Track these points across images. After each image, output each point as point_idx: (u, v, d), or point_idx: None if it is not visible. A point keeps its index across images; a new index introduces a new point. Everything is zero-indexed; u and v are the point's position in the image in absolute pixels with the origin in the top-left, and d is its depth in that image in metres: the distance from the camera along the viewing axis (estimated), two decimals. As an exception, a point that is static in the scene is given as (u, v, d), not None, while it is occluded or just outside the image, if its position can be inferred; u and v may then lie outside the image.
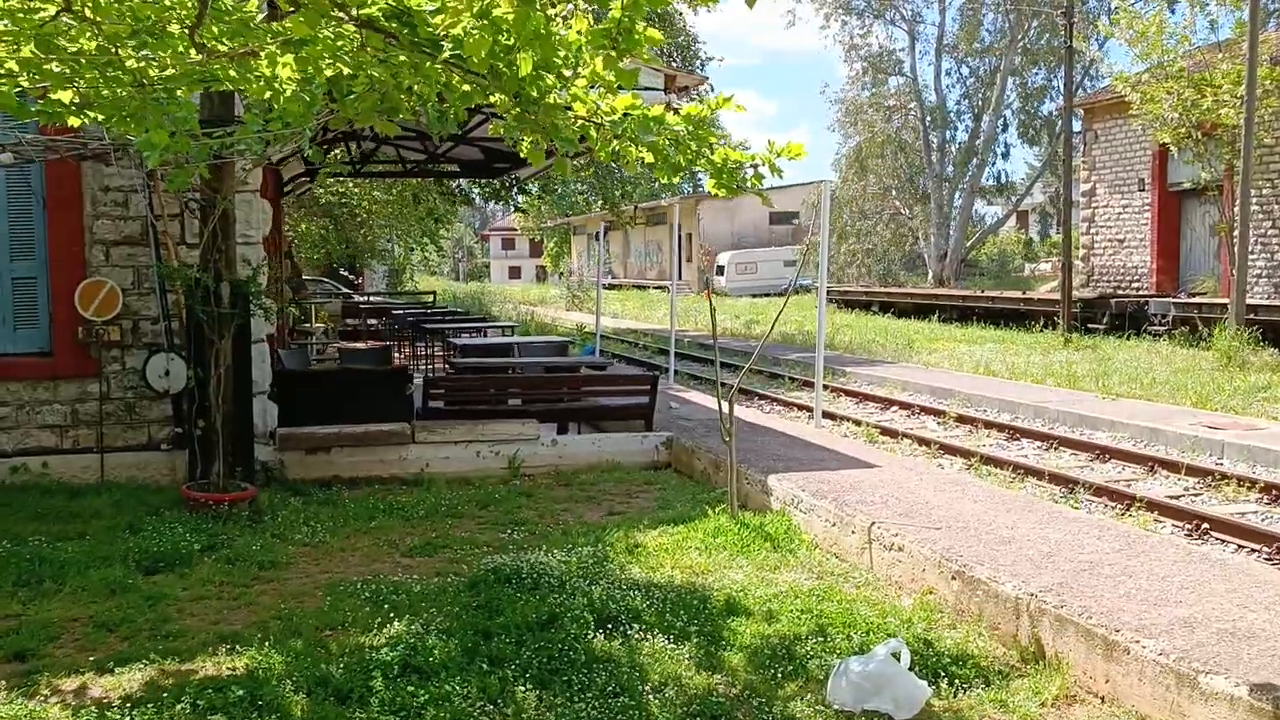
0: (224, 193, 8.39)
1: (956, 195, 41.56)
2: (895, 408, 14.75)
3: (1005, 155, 42.97)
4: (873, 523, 6.85)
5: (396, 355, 20.07)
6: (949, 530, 6.63)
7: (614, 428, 11.18)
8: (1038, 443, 11.84)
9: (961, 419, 13.29)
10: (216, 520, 7.91)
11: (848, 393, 16.18)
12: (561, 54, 5.20)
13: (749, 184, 6.12)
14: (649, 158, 5.74)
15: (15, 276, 9.23)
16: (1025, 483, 9.94)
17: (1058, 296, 25.42)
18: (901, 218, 43.02)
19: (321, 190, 30.24)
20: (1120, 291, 28.77)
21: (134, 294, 9.29)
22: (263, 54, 5.16)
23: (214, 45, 5.07)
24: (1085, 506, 9.01)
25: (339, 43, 5.06)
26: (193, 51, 5.05)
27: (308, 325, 18.53)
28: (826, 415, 14.01)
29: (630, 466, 10.19)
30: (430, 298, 31.53)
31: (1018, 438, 12.16)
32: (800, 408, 14.75)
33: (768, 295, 49.02)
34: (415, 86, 5.18)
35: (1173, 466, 10.23)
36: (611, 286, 67.25)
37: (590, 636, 5.45)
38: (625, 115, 5.54)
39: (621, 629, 5.55)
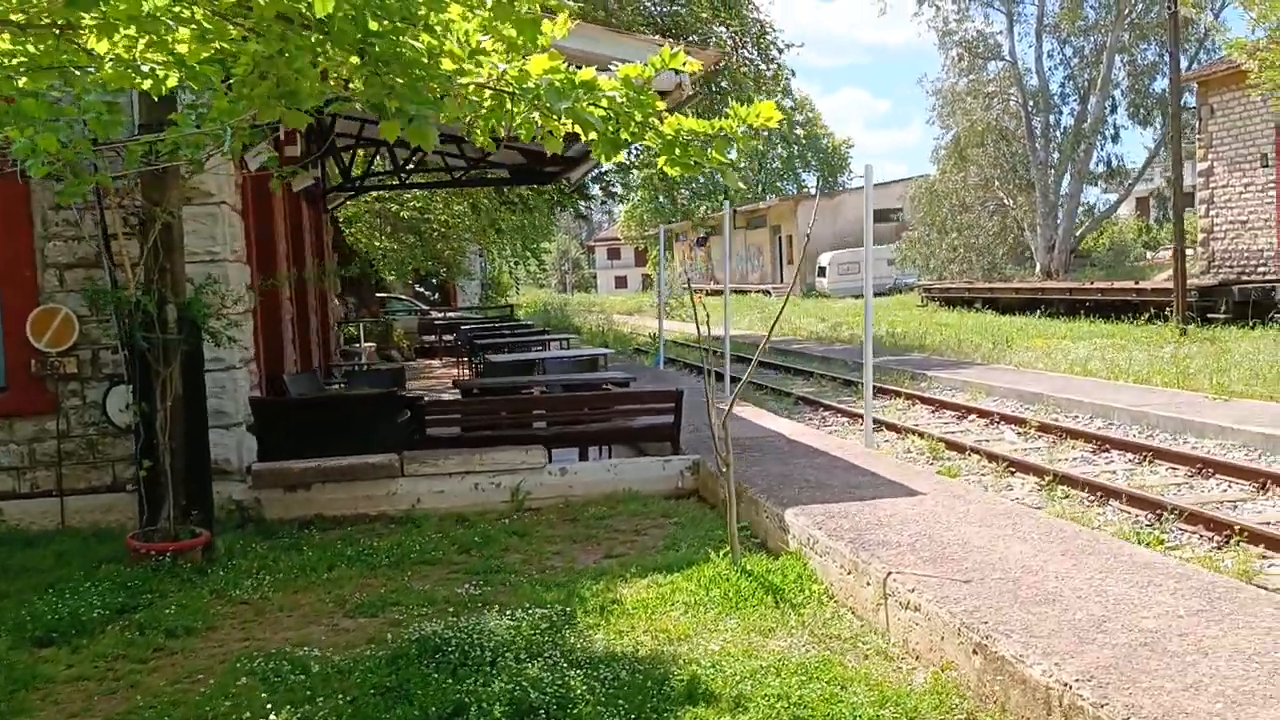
0: (165, 205, 7.49)
1: (1064, 183, 39.11)
2: (973, 416, 13.24)
3: (1115, 138, 40.49)
4: (889, 572, 5.56)
5: (456, 373, 19.24)
6: (982, 582, 5.31)
7: (652, 450, 10.07)
8: (1129, 455, 10.26)
9: (1045, 428, 11.74)
10: (157, 573, 7.03)
11: (924, 400, 14.70)
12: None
13: (709, 161, 4.93)
14: (589, 133, 4.60)
15: (-39, 307, 8.52)
16: (1105, 508, 8.44)
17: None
18: (1005, 209, 40.71)
19: (397, 205, 29.78)
20: (1244, 277, 26.41)
21: (92, 321, 8.49)
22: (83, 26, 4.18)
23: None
24: (1174, 536, 7.51)
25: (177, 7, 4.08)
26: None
27: (357, 345, 17.77)
28: (891, 428, 12.63)
29: (649, 495, 9.03)
30: (509, 311, 30.77)
31: (1106, 449, 10.59)
32: (866, 419, 13.34)
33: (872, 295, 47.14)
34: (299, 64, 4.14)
35: (1293, 482, 8.63)
36: (713, 292, 66.10)
37: (494, 739, 4.32)
38: (543, 82, 4.46)
39: (537, 728, 4.41)
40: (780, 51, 25.89)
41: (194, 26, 4.13)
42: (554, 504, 8.90)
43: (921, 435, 11.62)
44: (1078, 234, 39.77)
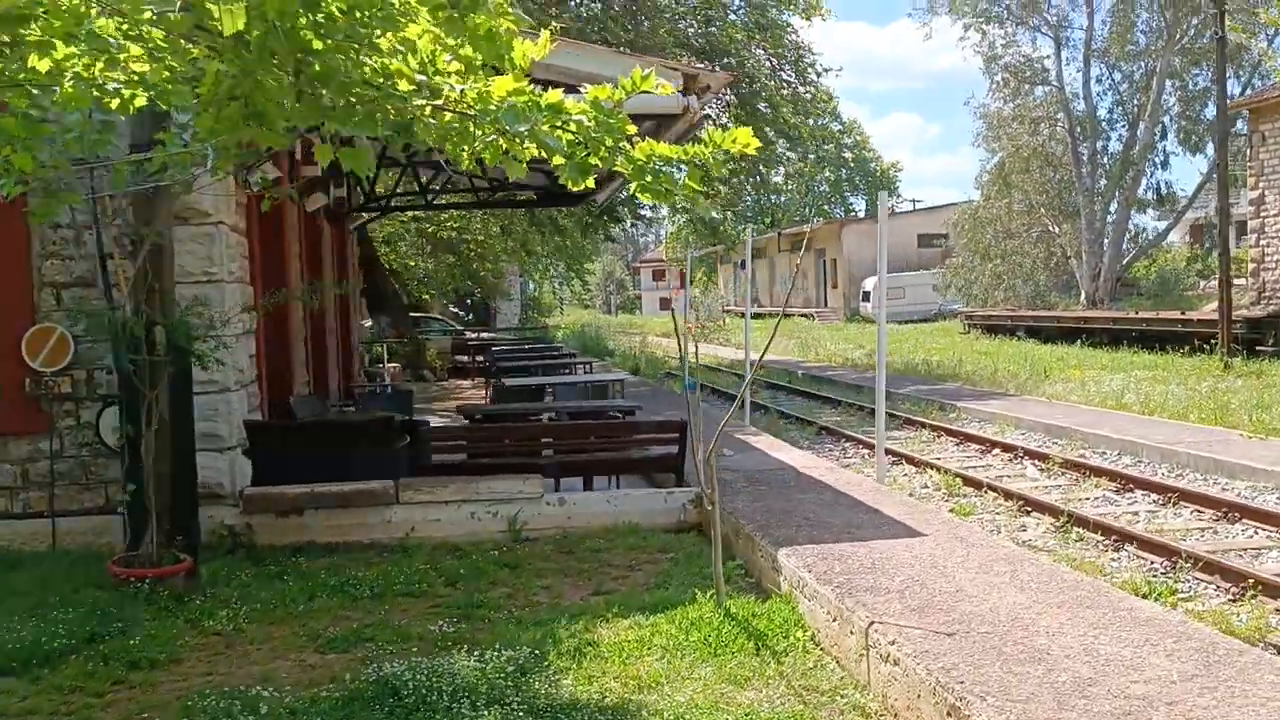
0: (154, 225, 7.40)
1: (1110, 210, 38.41)
2: (997, 450, 12.85)
3: (1165, 164, 39.66)
4: (872, 622, 5.28)
5: (483, 394, 19.09)
6: (967, 636, 5.01)
7: (662, 480, 9.84)
8: (1153, 496, 9.85)
9: (1069, 464, 11.34)
10: (135, 600, 6.89)
11: (950, 432, 14.32)
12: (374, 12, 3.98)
13: (681, 189, 4.72)
14: (553, 158, 4.42)
15: (-45, 326, 8.48)
16: (1119, 553, 8.07)
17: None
18: (1050, 235, 40.06)
19: (434, 226, 29.85)
20: (1294, 310, 25.66)
21: (87, 341, 8.40)
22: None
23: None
24: (1188, 586, 7.13)
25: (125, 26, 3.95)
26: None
27: (380, 366, 17.70)
28: (910, 461, 12.30)
29: (650, 529, 8.77)
30: (544, 332, 30.68)
31: (1130, 489, 10.18)
32: (888, 451, 12.98)
33: (914, 321, 46.59)
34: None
35: (1324, 531, 8.20)
36: (756, 315, 65.74)
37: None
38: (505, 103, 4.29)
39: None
40: (819, 75, 25.65)
41: (144, 45, 3.99)
42: (552, 535, 8.68)
43: (943, 470, 11.27)
44: (1124, 262, 39.05)
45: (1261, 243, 28.28)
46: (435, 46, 4.16)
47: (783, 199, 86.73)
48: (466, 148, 4.36)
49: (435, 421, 12.53)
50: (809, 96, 26.13)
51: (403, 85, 4.13)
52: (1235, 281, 30.07)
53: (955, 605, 5.51)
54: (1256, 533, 8.47)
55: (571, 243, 32.14)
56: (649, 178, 4.62)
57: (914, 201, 74.35)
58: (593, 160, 4.50)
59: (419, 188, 15.74)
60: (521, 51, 4.42)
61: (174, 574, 7.25)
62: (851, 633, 5.45)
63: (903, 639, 5.00)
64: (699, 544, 8.44)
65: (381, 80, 4.08)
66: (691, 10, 21.71)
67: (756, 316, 61.97)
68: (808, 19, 26.91)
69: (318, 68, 3.89)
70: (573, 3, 19.70)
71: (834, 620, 5.72)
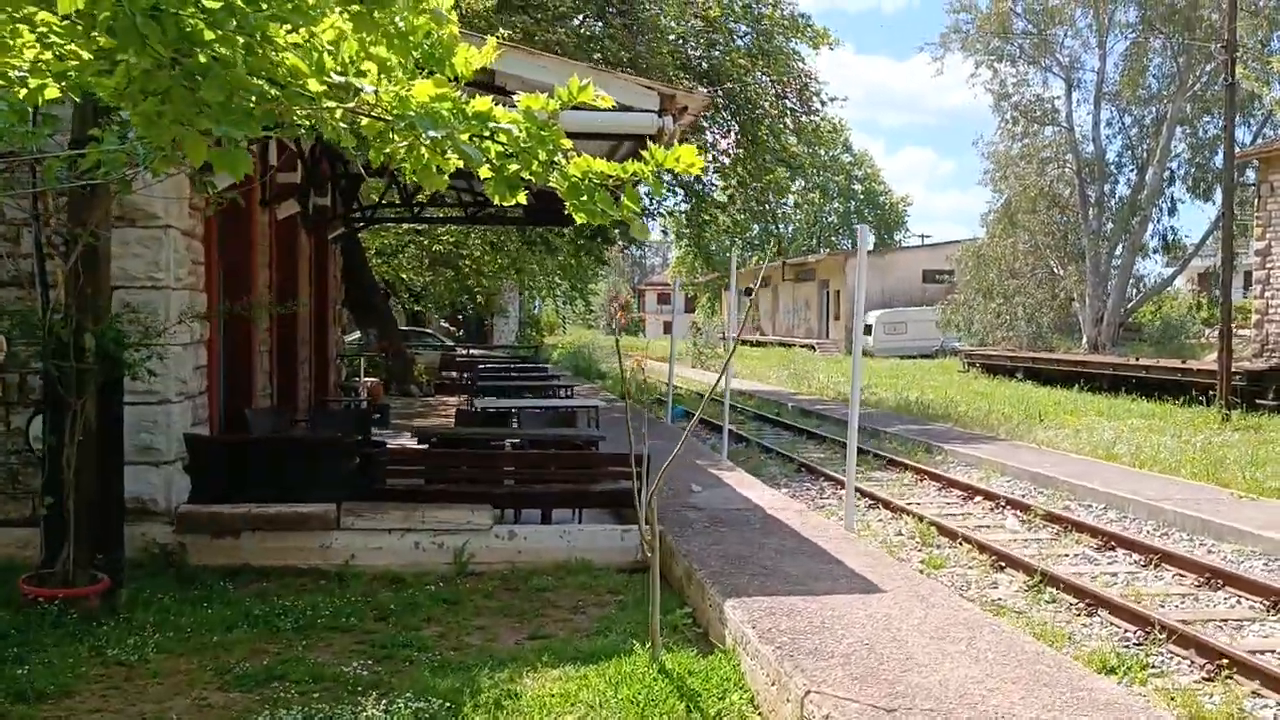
0: (89, 225, 7.03)
1: (1116, 254, 38.00)
2: (979, 498, 12.41)
3: (1172, 211, 39.13)
4: (809, 690, 4.87)
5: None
6: (908, 713, 4.60)
7: (632, 515, 9.41)
8: (1135, 556, 9.40)
9: (1050, 517, 10.89)
10: (40, 622, 6.50)
11: (933, 477, 13.87)
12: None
13: (620, 209, 4.36)
14: (483, 172, 4.07)
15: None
16: (1092, 618, 7.62)
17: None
18: (1055, 277, 39.64)
19: (430, 239, 29.54)
20: (1296, 364, 25.20)
21: (21, 343, 8.00)
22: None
23: None
24: (1160, 660, 6.68)
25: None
26: None
27: (357, 380, 17.31)
28: (887, 506, 11.87)
29: (603, 567, 8.36)
30: (534, 352, 30.29)
31: (1111, 547, 9.73)
32: (863, 494, 12.58)
33: (916, 357, 46.09)
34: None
35: (1310, 602, 7.75)
36: (758, 344, 65.23)
37: None
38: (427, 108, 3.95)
39: None
40: (823, 104, 25.31)
41: (31, 29, 3.62)
42: (499, 570, 8.27)
43: (920, 518, 10.83)
44: (1128, 307, 38.63)
45: (1266, 294, 27.87)
46: (344, 43, 3.81)
47: (789, 228, 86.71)
48: (387, 154, 4.02)
49: (405, 441, 12.14)
50: (813, 126, 25.80)
51: (312, 85, 3.77)
52: (1240, 332, 29.64)
53: (902, 675, 5.09)
54: (1239, 602, 8.02)
55: (575, 262, 31.84)
56: (583, 196, 4.27)
57: (922, 236, 74.14)
58: (525, 174, 4.15)
59: (402, 199, 15.39)
60: (464, 57, 4.08)
61: (88, 594, 6.86)
62: (788, 700, 5.04)
63: (838, 713, 4.58)
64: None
65: (291, 79, 3.73)
66: (695, 33, 21.41)
67: (759, 345, 61.51)
68: (815, 47, 26.67)
69: (201, 59, 3.52)
70: (575, 20, 19.40)
71: (772, 684, 5.31)
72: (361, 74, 3.88)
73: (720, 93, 21.94)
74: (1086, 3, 37.21)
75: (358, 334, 26.36)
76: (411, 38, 3.90)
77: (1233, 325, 22.40)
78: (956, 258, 43.72)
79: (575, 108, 5.90)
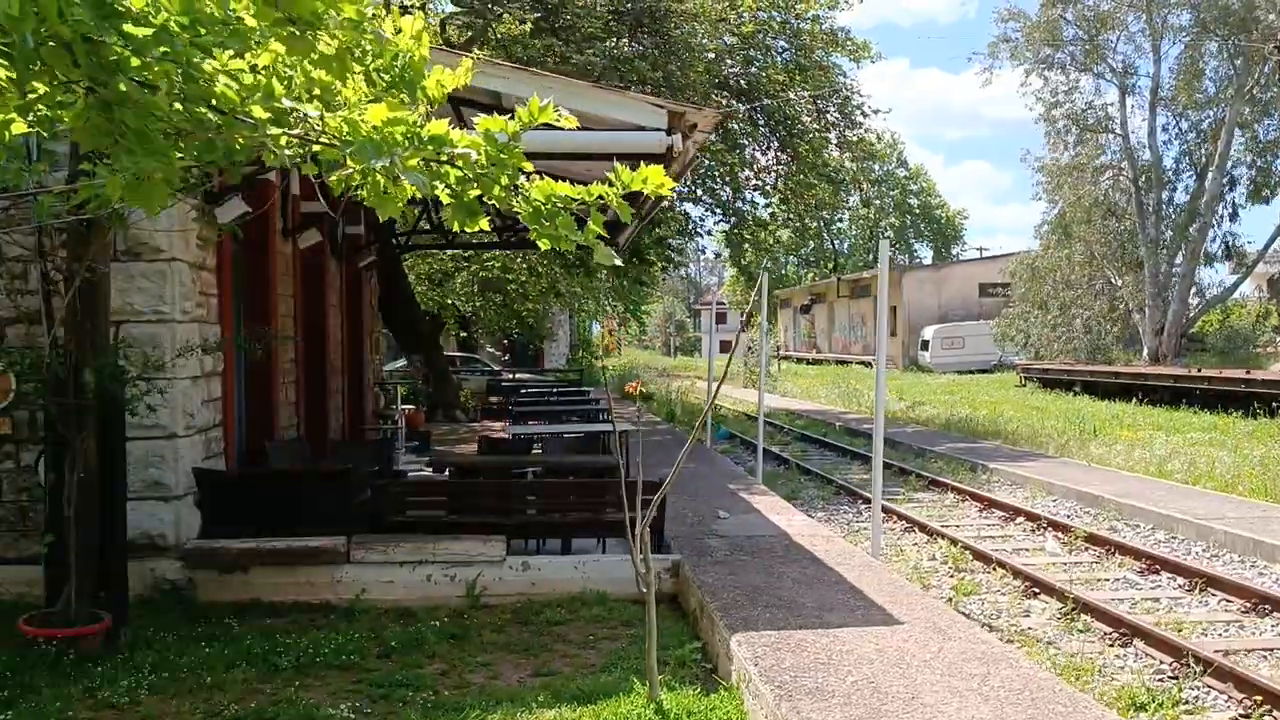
0: (86, 260, 6.98)
1: (1176, 262, 37.03)
2: (1021, 519, 11.97)
3: (1233, 216, 38.02)
4: (803, 735, 4.59)
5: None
6: (905, 761, 4.30)
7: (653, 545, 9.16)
8: (1180, 580, 8.95)
9: (1092, 539, 10.44)
10: (39, 663, 6.41)
11: (975, 497, 13.44)
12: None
13: (583, 236, 4.20)
14: (444, 197, 3.94)
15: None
16: (1126, 649, 7.21)
17: (1281, 378, 21.49)
18: (1113, 288, 38.71)
19: (476, 264, 29.59)
20: (1366, 372, 24.30)
21: (33, 380, 7.98)
22: None
23: None
24: (1195, 695, 6.28)
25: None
26: None
27: (393, 409, 17.26)
28: (922, 529, 11.49)
29: (619, 599, 8.12)
30: (580, 376, 30.18)
31: (1156, 570, 9.28)
32: (901, 518, 12.21)
33: (974, 372, 45.29)
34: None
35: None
36: (814, 361, 64.67)
37: None
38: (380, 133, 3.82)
39: None
40: (865, 116, 24.94)
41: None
42: (512, 602, 8.08)
43: (954, 541, 10.44)
44: (1190, 316, 37.60)
45: (1333, 300, 26.93)
46: (282, 66, 3.68)
47: (845, 244, 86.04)
48: (335, 180, 3.89)
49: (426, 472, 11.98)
50: (855, 139, 25.46)
51: (257, 111, 3.64)
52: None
53: (903, 718, 4.80)
54: (1288, 629, 7.58)
55: (626, 284, 31.71)
56: (544, 221, 4.10)
57: (980, 250, 73.07)
58: (488, 197, 3.99)
59: (431, 225, 15.34)
60: (436, 80, 3.95)
61: (88, 634, 6.77)
62: (782, 745, 4.77)
63: (828, 761, 4.31)
64: (670, 618, 7.79)
65: (237, 103, 3.60)
66: (730, 50, 21.21)
67: (815, 363, 60.78)
68: (856, 61, 26.36)
69: (122, 87, 3.39)
70: (608, 42, 19.30)
71: (770, 726, 5.04)
72: (317, 99, 3.76)
73: (759, 110, 21.73)
74: (1139, 6, 36.45)
75: (403, 361, 26.43)
76: (369, 62, 3.77)
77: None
78: (1011, 270, 42.91)
79: (579, 128, 5.66)
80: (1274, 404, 20.91)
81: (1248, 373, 26.56)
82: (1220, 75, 36.77)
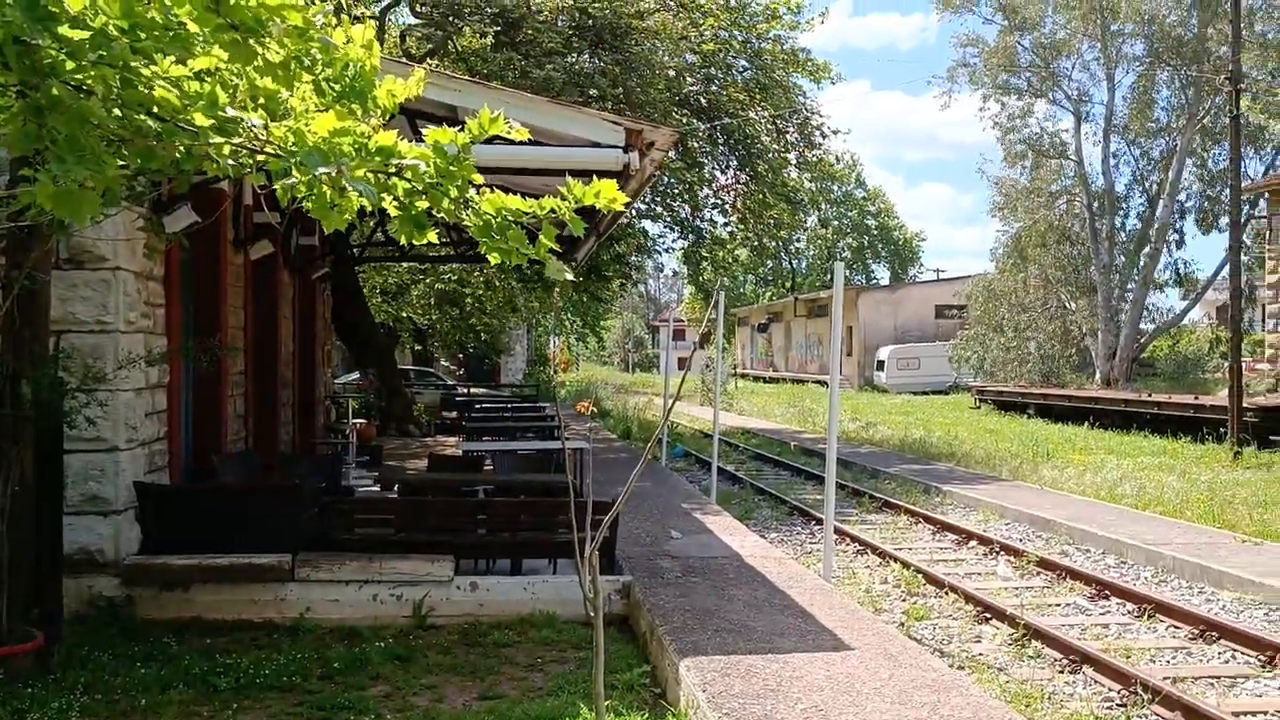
0: (25, 267, 6.79)
1: (1128, 288, 37.55)
2: (974, 542, 12.00)
3: (1180, 244, 38.73)
4: (750, 765, 4.52)
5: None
6: (853, 792, 4.24)
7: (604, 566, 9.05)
8: (1129, 606, 8.99)
9: (1044, 564, 10.48)
10: (-36, 684, 6.19)
11: (929, 520, 13.47)
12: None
13: (534, 250, 4.10)
14: (392, 209, 3.85)
15: None
16: (1075, 675, 7.22)
17: (1231, 404, 21.73)
18: (1066, 312, 39.17)
19: (431, 277, 29.40)
20: (1311, 399, 24.68)
21: (-33, 391, 7.75)
22: None
23: None
24: (1144, 725, 6.29)
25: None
26: None
27: (344, 423, 17.04)
28: (875, 552, 11.48)
29: (569, 620, 8.03)
30: (535, 391, 30.03)
31: (1105, 595, 9.32)
32: (852, 539, 12.21)
33: (929, 393, 45.59)
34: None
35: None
36: (771, 380, 64.85)
37: None
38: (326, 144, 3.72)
39: None
40: (824, 137, 25.05)
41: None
42: (460, 623, 7.95)
43: (906, 565, 10.44)
44: (1141, 341, 38.12)
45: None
46: (227, 74, 3.59)
47: (802, 264, 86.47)
48: (280, 189, 3.79)
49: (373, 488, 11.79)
50: (815, 160, 25.59)
51: (199, 119, 3.53)
52: (1258, 366, 29.14)
53: (853, 747, 4.74)
54: (1234, 657, 7.60)
55: (585, 299, 31.62)
56: (495, 235, 4.01)
57: (937, 271, 73.73)
58: (436, 209, 3.91)
59: (385, 237, 15.18)
60: (387, 90, 3.87)
61: (19, 653, 6.56)
62: (730, 774, 4.69)
63: (775, 792, 4.24)
64: (620, 641, 7.70)
65: (178, 110, 3.50)
66: (691, 68, 21.23)
67: (772, 381, 60.95)
68: (816, 81, 26.49)
69: (55, 91, 3.29)
70: (569, 58, 19.25)
71: (718, 755, 4.96)
72: (262, 108, 3.67)
73: (719, 128, 21.76)
74: (1094, 35, 37.00)
75: (356, 374, 26.14)
76: (319, 71, 3.70)
77: (1248, 360, 21.96)
78: (967, 293, 43.30)
79: (535, 143, 5.49)
80: (1221, 429, 21.17)
81: (1196, 398, 26.94)
82: (1172, 105, 37.45)
